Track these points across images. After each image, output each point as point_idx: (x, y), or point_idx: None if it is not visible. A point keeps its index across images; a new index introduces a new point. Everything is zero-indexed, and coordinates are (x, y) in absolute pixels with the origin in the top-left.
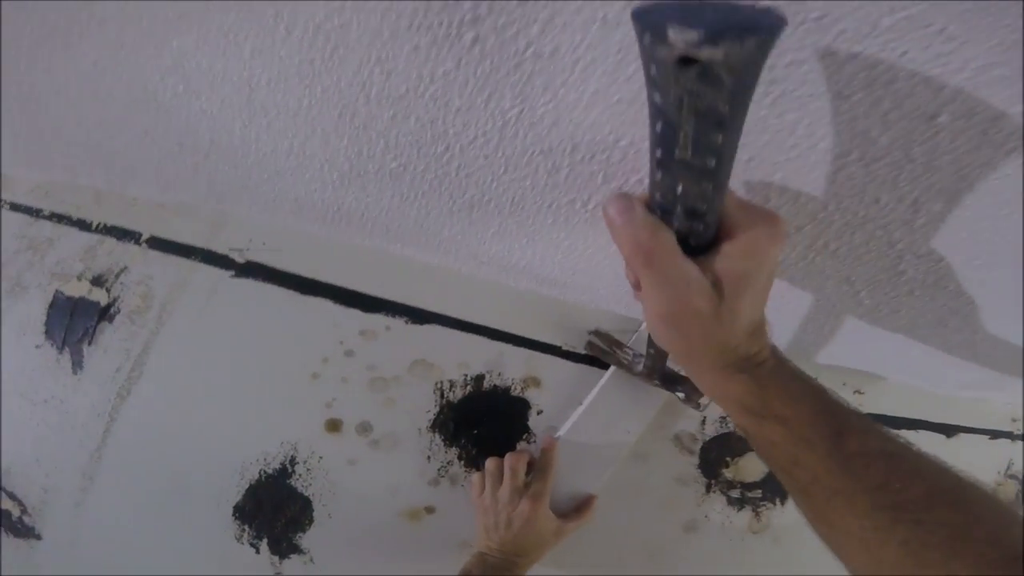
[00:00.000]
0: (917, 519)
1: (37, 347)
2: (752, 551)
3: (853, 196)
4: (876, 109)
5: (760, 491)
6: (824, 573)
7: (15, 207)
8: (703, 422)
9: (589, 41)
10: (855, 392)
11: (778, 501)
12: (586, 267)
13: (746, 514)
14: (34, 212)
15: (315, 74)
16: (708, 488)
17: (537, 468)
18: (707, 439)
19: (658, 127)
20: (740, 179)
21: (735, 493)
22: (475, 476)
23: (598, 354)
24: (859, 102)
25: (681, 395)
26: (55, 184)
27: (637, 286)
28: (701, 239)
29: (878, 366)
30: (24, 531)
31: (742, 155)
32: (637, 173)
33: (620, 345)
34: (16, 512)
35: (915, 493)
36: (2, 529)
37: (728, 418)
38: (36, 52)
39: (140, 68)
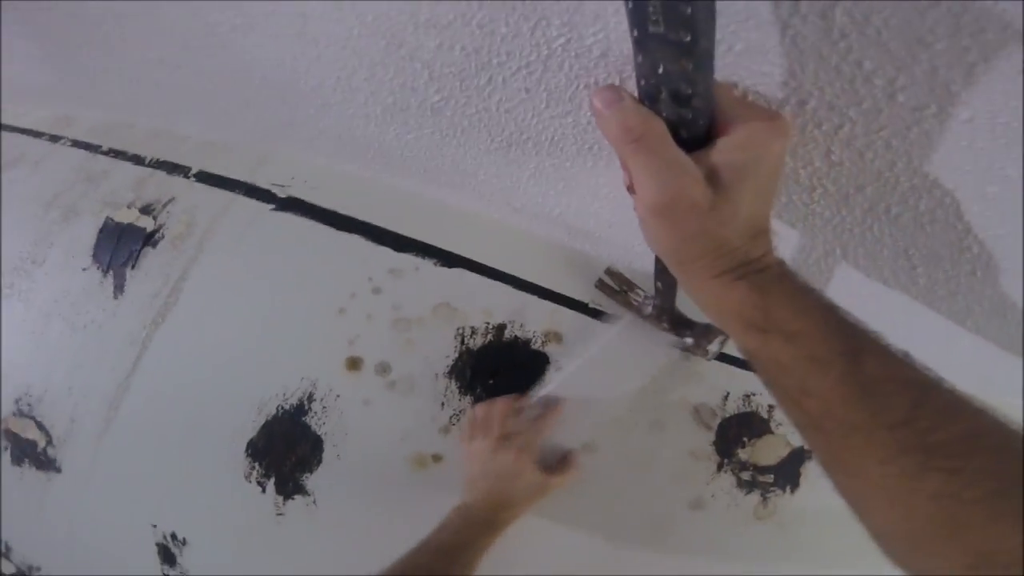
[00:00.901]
0: (952, 467)
1: (84, 269)
2: (755, 537)
3: (925, 156)
4: (961, 60)
5: (772, 476)
6: (825, 568)
7: (76, 143)
8: (726, 397)
9: None
10: None
11: (788, 488)
12: (622, 220)
13: (754, 498)
14: (93, 148)
15: (366, 1)
16: (720, 467)
17: (533, 421)
18: (727, 416)
19: (630, 2)
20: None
21: (746, 475)
22: (465, 421)
23: (608, 293)
24: (942, 51)
25: (690, 341)
26: (114, 123)
27: (628, 185)
28: (693, 130)
29: (919, 356)
30: (46, 463)
31: (809, 102)
32: None
33: (632, 286)
34: (42, 443)
35: (949, 434)
36: (25, 460)
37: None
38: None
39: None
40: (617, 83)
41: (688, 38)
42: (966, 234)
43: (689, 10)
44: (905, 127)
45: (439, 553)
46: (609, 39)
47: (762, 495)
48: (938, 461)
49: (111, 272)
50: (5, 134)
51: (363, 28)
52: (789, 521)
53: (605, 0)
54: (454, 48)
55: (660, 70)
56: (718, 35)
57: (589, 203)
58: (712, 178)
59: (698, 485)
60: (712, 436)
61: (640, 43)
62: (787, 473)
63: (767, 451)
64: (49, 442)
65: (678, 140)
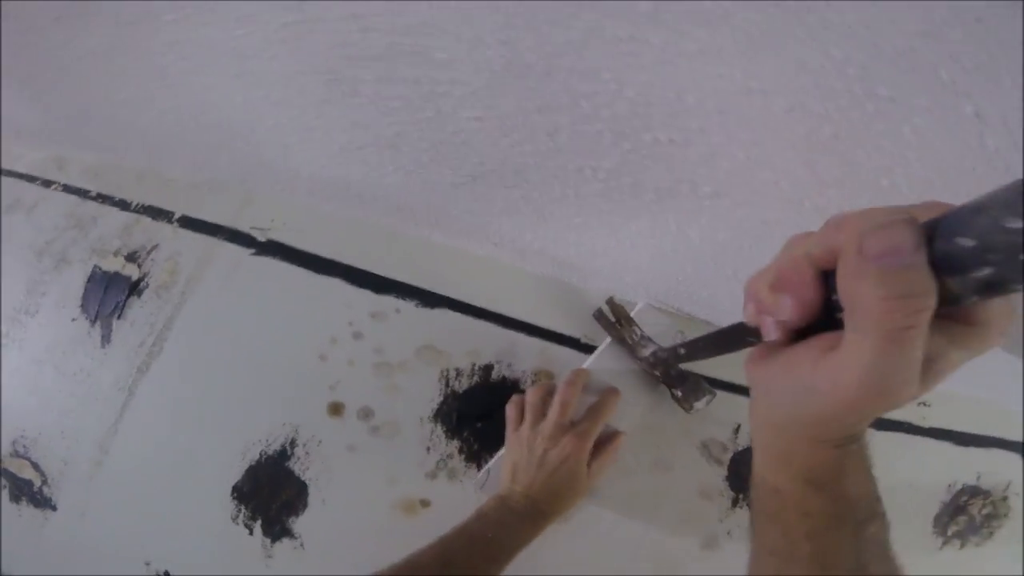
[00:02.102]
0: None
1: (73, 320)
2: None
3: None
4: None
5: None
6: None
7: (67, 188)
8: (736, 430)
9: None
10: (920, 404)
11: None
12: (605, 250)
13: None
14: (83, 193)
15: (296, 37)
16: (735, 502)
17: (592, 407)
18: (739, 449)
19: None
20: None
21: None
22: (511, 408)
23: (604, 325)
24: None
25: (678, 394)
26: (104, 166)
27: (789, 322)
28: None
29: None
30: (42, 501)
31: None
32: (650, 131)
33: (630, 321)
34: (37, 482)
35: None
36: (22, 498)
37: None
38: (54, 30)
39: (145, 43)
40: (566, 104)
41: None
42: None
43: None
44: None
45: (477, 544)
46: (549, 56)
47: None
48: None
49: (98, 323)
50: (4, 178)
51: (300, 65)
52: None
53: (546, 3)
54: (393, 79)
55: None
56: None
57: (566, 233)
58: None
59: (711, 523)
60: (724, 471)
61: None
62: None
63: None
64: (44, 481)
65: None
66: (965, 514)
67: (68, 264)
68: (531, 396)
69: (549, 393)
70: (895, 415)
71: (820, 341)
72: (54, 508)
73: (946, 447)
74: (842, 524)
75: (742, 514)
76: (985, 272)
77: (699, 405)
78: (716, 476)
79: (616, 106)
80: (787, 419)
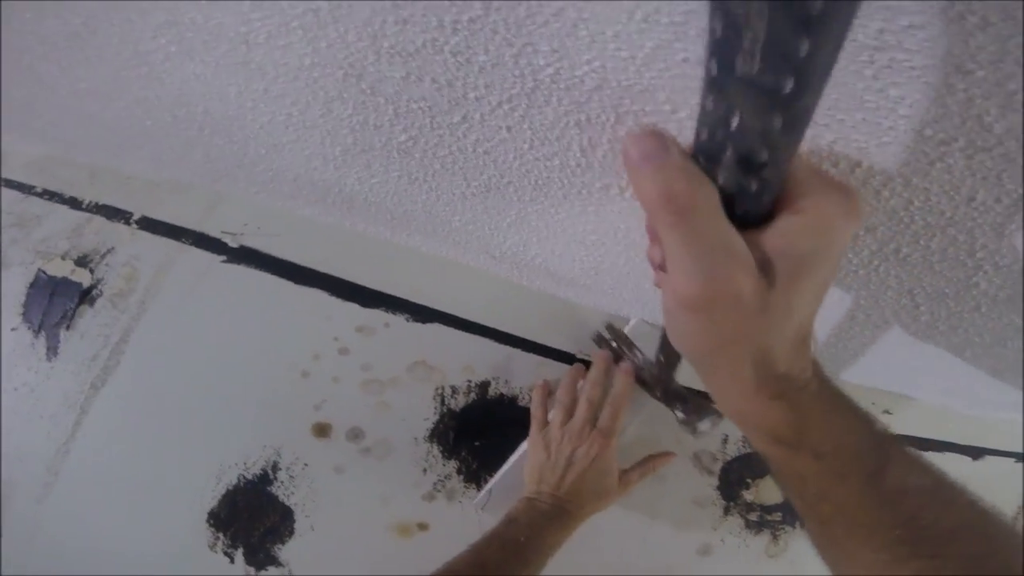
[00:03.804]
0: (934, 552)
1: (13, 330)
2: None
3: (945, 193)
4: (1000, 90)
5: (780, 514)
6: None
7: (8, 183)
8: (725, 441)
9: None
10: (884, 412)
11: (798, 524)
12: (611, 267)
13: (764, 537)
14: (26, 189)
15: (320, 24)
16: (726, 511)
17: (608, 400)
18: (728, 459)
19: (717, 26)
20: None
21: (754, 516)
22: (537, 408)
23: (605, 346)
24: (982, 80)
25: (680, 416)
26: (51, 159)
27: (658, 263)
28: (752, 207)
29: (911, 386)
30: None
31: (824, 135)
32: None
33: (631, 346)
34: None
35: (941, 528)
36: None
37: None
38: (23, 11)
39: (132, 26)
40: (612, 121)
41: (790, 88)
42: (976, 270)
43: (806, 49)
44: (929, 163)
45: (509, 548)
46: (605, 69)
47: (772, 533)
48: (925, 549)
49: (43, 333)
50: None
51: (316, 56)
52: (801, 555)
53: (602, 23)
54: (423, 80)
55: (734, 124)
56: None
57: (575, 250)
58: (766, 268)
59: (705, 531)
60: (715, 481)
61: (716, 84)
62: (794, 510)
63: (772, 490)
64: None
65: (731, 216)
66: None
67: (7, 267)
68: (562, 395)
69: (576, 390)
70: None
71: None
72: None
73: None
74: (844, 479)
75: (734, 522)
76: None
77: (703, 427)
78: (708, 486)
79: (666, 126)
80: (683, 350)
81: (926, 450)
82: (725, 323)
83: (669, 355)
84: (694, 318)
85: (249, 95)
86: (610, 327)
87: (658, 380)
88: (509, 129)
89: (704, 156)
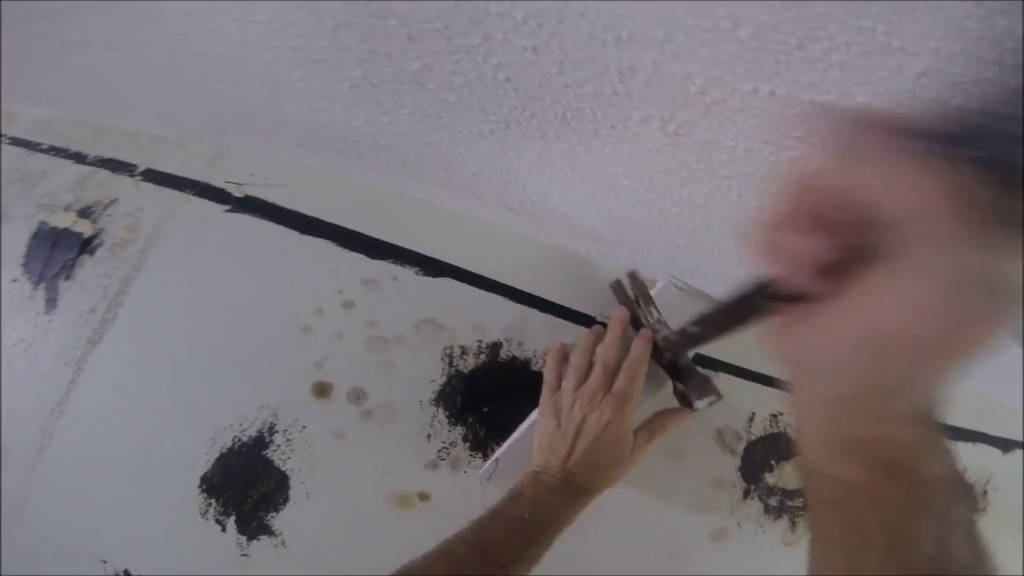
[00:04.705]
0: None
1: (13, 281)
2: (782, 564)
3: None
4: None
5: (802, 500)
6: None
7: (15, 141)
8: (751, 418)
9: None
10: None
11: None
12: (642, 219)
13: (782, 524)
14: (32, 146)
15: None
16: (746, 494)
17: (625, 364)
18: (753, 438)
19: None
20: None
21: (774, 501)
22: (550, 372)
23: (620, 298)
24: None
25: (680, 387)
26: (56, 119)
27: (814, 268)
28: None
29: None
30: None
31: None
32: (752, 80)
33: (649, 300)
34: None
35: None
36: None
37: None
38: None
39: None
40: (660, 40)
41: None
42: None
43: None
44: None
45: (513, 525)
46: None
47: (791, 520)
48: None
49: (42, 284)
50: None
51: None
52: None
53: None
54: None
55: None
56: None
57: (603, 199)
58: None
59: (722, 514)
60: (738, 461)
61: None
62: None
63: (795, 474)
64: None
65: None
66: None
67: (9, 220)
68: (576, 359)
69: (593, 356)
70: None
71: (871, 278)
72: None
73: None
74: (924, 511)
75: (753, 506)
76: None
77: (700, 405)
78: (730, 466)
79: (723, 45)
80: (849, 392)
81: (956, 440)
82: (933, 366)
83: (706, 332)
84: (928, 355)
85: (252, 30)
86: (633, 276)
87: (671, 348)
88: (535, 50)
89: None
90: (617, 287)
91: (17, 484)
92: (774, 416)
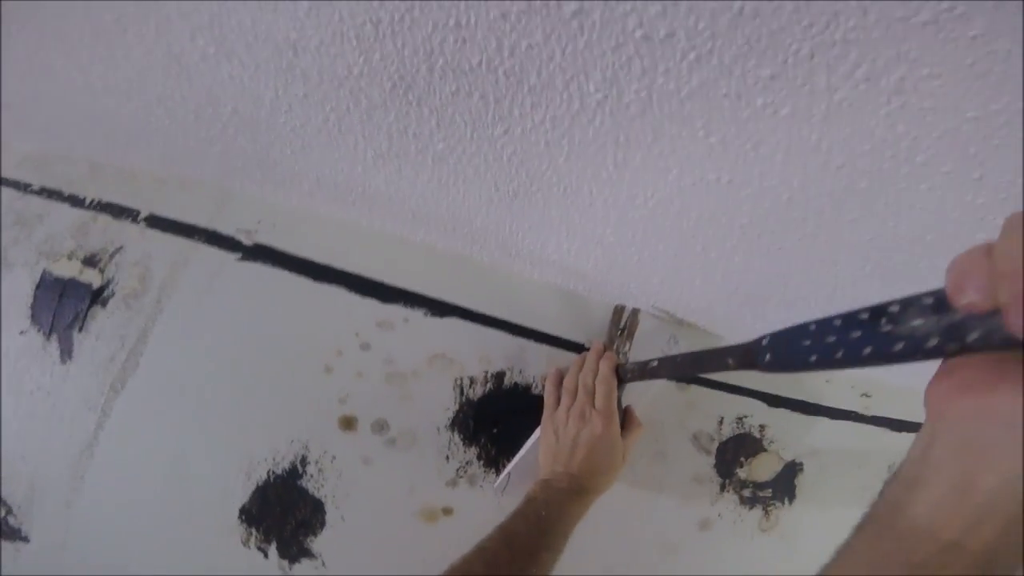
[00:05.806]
0: None
1: (22, 333)
2: (761, 548)
3: None
4: None
5: (770, 490)
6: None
7: (3, 181)
8: (720, 421)
9: (713, 30)
10: (862, 395)
11: (787, 500)
12: (624, 263)
13: (756, 513)
14: (22, 187)
15: (378, 37)
16: (722, 487)
17: (598, 381)
18: (723, 439)
19: None
20: None
21: (747, 492)
22: (547, 395)
23: (611, 323)
24: None
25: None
26: (47, 155)
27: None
28: None
29: (890, 371)
30: (10, 533)
31: None
32: (717, 172)
33: (631, 337)
34: (1, 512)
35: None
36: None
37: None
38: (46, 12)
39: (169, 25)
40: (649, 140)
41: None
42: None
43: None
44: None
45: (532, 522)
46: (652, 98)
47: (764, 509)
48: None
49: (55, 335)
50: None
51: (367, 67)
52: (791, 529)
53: (658, 58)
54: (472, 95)
55: None
56: None
57: (591, 249)
58: None
59: (704, 507)
60: (712, 460)
61: None
62: (783, 486)
63: (763, 468)
64: (9, 511)
65: None
66: None
67: (9, 267)
68: (567, 382)
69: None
70: (842, 403)
71: None
72: (26, 540)
73: (884, 432)
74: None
75: (729, 498)
76: None
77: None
78: (706, 464)
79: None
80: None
81: (903, 432)
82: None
83: (662, 371)
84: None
85: (286, 99)
86: (633, 314)
87: (624, 373)
88: (547, 144)
89: None
90: (617, 312)
91: (54, 524)
92: (739, 419)
